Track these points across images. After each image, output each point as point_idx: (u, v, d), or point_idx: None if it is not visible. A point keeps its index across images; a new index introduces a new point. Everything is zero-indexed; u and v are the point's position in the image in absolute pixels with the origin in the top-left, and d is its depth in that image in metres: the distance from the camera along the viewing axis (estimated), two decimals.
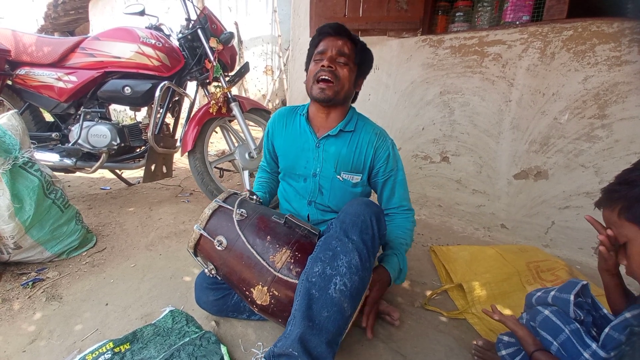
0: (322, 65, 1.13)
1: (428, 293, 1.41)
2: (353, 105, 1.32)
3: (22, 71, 1.99)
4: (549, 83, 1.74)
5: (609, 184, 0.78)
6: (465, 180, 2.11)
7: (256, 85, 6.21)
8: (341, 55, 1.14)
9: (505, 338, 1.03)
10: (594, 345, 0.81)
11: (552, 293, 0.96)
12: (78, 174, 2.25)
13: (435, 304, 1.35)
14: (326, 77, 1.13)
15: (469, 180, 2.09)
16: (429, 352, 1.10)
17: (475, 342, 1.08)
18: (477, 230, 2.06)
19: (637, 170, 0.74)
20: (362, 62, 1.21)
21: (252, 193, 1.18)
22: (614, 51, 1.56)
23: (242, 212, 1.01)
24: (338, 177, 1.23)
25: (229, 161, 2.37)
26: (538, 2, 1.86)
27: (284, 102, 6.10)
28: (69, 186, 2.60)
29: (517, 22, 1.91)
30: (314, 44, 1.22)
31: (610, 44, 1.57)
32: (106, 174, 2.89)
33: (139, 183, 2.71)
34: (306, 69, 1.27)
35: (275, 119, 1.35)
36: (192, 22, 2.04)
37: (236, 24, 5.79)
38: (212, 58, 1.98)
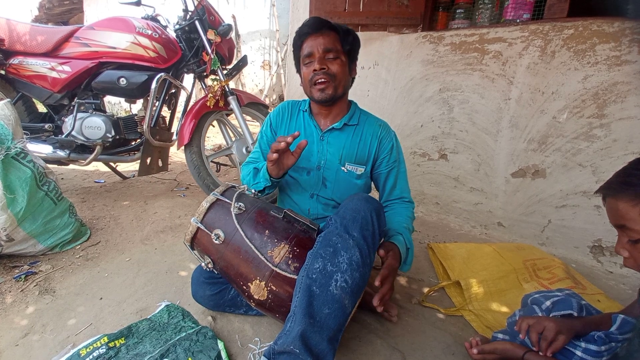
0: (315, 69, 1.12)
1: (425, 290, 1.41)
2: (353, 100, 1.31)
3: (15, 60, 1.94)
4: (548, 82, 1.74)
5: (621, 174, 0.74)
6: (463, 178, 2.11)
7: (253, 80, 6.15)
8: (328, 51, 1.13)
9: (500, 335, 1.04)
10: (583, 344, 0.83)
11: (547, 304, 0.97)
12: (72, 166, 2.22)
13: (432, 301, 1.35)
14: (322, 80, 1.12)
15: (466, 178, 2.09)
16: (426, 349, 1.10)
17: (471, 340, 1.08)
18: (474, 228, 2.06)
19: None
20: (350, 47, 1.18)
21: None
22: (614, 51, 1.56)
23: (240, 205, 1.00)
24: (342, 168, 1.22)
25: (226, 155, 2.35)
26: (539, 1, 1.86)
27: (281, 97, 6.07)
28: (62, 179, 2.56)
29: (518, 20, 1.90)
30: (297, 47, 1.20)
31: (610, 44, 1.57)
32: (100, 166, 2.85)
33: (134, 176, 2.68)
34: (297, 71, 1.25)
35: (279, 111, 1.33)
36: (190, 13, 2.01)
37: (234, 17, 5.72)
38: (209, 50, 1.96)
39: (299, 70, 1.24)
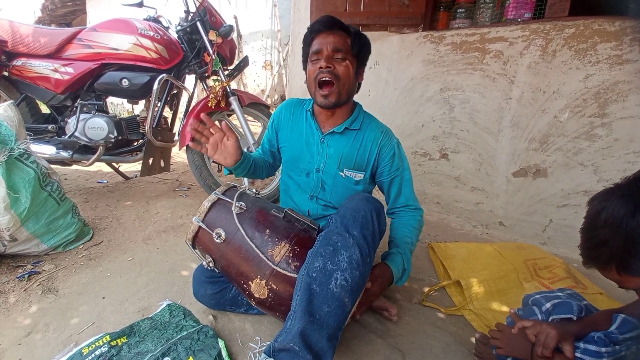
0: (320, 67, 1.10)
1: (426, 289, 1.42)
2: (357, 101, 1.30)
3: (18, 62, 1.96)
4: (549, 81, 1.74)
5: (584, 249, 0.81)
6: (464, 178, 2.10)
7: (255, 81, 6.17)
8: (337, 51, 1.11)
9: None
10: (581, 344, 0.83)
11: (547, 305, 0.97)
12: (75, 166, 2.23)
13: (433, 301, 1.36)
14: (326, 79, 1.10)
15: (467, 178, 2.09)
16: (426, 348, 1.11)
17: (474, 337, 1.08)
18: (475, 227, 2.06)
19: (599, 229, 0.76)
20: (360, 51, 1.16)
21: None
22: (615, 50, 1.56)
23: (241, 205, 1.01)
24: (341, 173, 1.21)
25: None
26: (540, 0, 1.86)
27: (282, 98, 6.08)
28: (66, 179, 2.58)
29: (519, 19, 1.90)
30: (307, 43, 1.18)
31: (611, 43, 1.56)
32: (103, 167, 2.86)
33: (136, 177, 2.69)
34: (304, 68, 1.23)
35: (282, 109, 1.32)
36: (191, 14, 2.02)
37: (235, 17, 5.74)
38: (211, 51, 1.96)
39: (305, 67, 1.21)
